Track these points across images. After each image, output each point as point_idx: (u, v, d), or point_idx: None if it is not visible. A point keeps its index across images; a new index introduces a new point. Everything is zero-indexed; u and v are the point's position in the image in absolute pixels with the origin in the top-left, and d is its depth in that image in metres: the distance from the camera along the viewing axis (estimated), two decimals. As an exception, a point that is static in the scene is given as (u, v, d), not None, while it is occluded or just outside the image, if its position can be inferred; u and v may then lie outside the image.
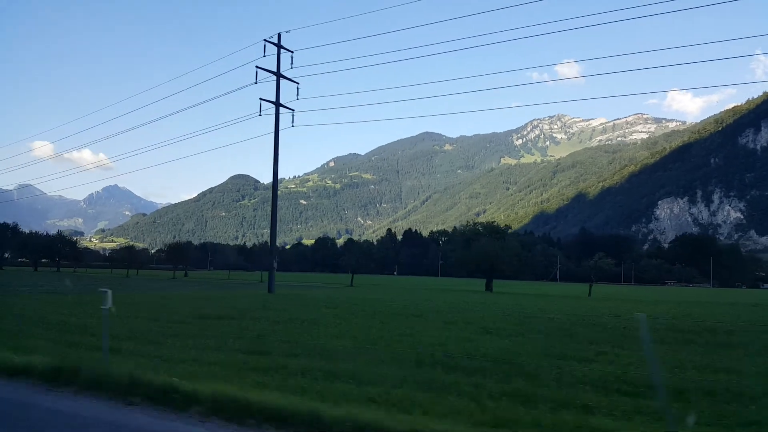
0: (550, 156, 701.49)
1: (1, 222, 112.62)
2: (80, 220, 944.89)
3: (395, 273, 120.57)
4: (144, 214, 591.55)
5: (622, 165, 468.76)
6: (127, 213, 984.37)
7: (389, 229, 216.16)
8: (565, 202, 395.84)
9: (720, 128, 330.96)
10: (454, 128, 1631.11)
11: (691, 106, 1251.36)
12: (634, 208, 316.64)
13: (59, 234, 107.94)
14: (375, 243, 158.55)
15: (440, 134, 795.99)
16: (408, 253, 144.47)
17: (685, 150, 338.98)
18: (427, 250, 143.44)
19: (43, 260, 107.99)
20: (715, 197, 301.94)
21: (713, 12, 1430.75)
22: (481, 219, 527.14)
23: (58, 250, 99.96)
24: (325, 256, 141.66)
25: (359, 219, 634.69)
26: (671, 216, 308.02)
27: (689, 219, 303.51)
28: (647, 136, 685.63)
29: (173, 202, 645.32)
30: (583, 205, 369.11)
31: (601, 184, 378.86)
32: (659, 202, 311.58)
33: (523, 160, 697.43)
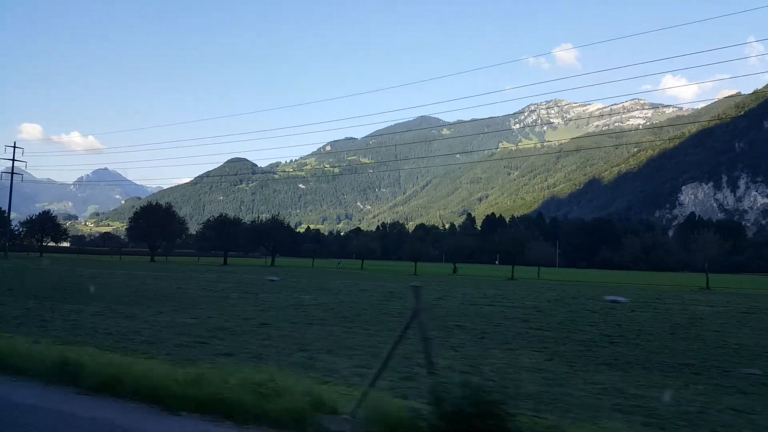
0: (548, 141, 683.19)
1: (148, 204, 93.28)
2: (70, 203, 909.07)
3: (496, 262, 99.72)
4: (138, 198, 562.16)
5: (630, 150, 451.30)
6: (117, 197, 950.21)
7: (469, 214, 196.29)
8: (578, 187, 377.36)
9: (742, 113, 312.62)
10: (450, 112, 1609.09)
11: (685, 92, 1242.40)
12: (656, 193, 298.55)
13: (274, 218, 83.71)
14: (441, 229, 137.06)
15: (437, 118, 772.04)
16: (493, 240, 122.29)
17: (706, 135, 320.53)
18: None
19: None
20: (741, 183, 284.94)
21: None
22: (485, 204, 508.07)
23: (278, 239, 77.04)
24: (389, 244, 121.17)
25: (358, 204, 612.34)
26: (696, 201, 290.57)
27: (714, 205, 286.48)
28: (644, 121, 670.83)
29: (164, 187, 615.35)
30: (598, 190, 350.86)
31: (616, 168, 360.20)
32: (683, 187, 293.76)
33: (521, 145, 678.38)
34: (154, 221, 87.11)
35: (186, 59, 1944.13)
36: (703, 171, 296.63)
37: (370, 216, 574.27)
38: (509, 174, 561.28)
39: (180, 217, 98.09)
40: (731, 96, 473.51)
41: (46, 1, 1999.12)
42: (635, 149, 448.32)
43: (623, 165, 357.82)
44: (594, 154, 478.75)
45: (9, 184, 79.84)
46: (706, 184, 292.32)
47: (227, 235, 77.35)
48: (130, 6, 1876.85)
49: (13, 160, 75.96)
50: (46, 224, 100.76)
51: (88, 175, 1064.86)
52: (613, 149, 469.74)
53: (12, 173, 76.63)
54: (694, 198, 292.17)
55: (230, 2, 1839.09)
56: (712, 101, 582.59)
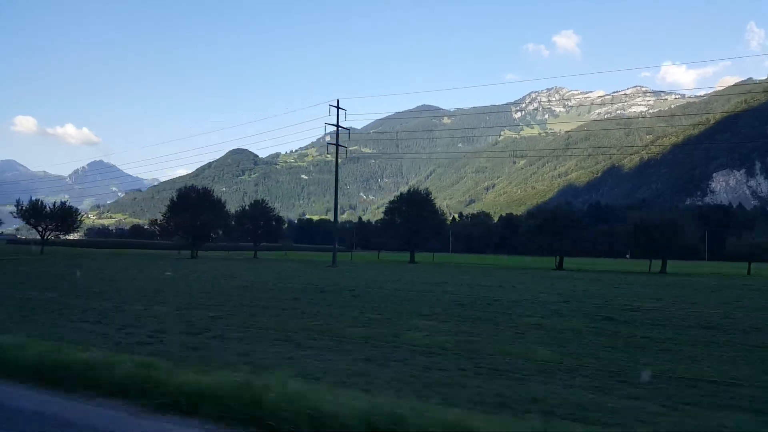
0: (550, 129, 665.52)
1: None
2: (66, 196, 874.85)
3: (628, 256, 79.00)
4: (139, 190, 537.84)
5: (642, 137, 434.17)
6: (114, 189, 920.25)
7: (568, 203, 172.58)
8: (596, 175, 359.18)
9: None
10: (451, 101, 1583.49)
11: (685, 78, 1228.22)
12: (685, 180, 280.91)
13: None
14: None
15: (437, 107, 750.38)
16: (598, 232, 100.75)
17: (731, 121, 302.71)
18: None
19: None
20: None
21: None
22: (493, 194, 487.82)
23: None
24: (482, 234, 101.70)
25: (361, 194, 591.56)
26: (727, 189, 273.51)
27: (747, 192, 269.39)
28: (646, 108, 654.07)
29: (162, 179, 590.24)
30: (620, 178, 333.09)
31: (637, 156, 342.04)
32: (714, 174, 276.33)
33: (523, 133, 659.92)
34: (416, 212, 66.00)
35: (182, 51, 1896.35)
36: (733, 158, 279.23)
37: (374, 206, 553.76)
38: (515, 163, 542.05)
39: (439, 208, 76.26)
40: (742, 82, 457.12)
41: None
42: (648, 136, 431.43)
43: (644, 152, 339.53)
44: (604, 142, 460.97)
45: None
46: (738, 171, 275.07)
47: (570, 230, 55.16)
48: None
49: (337, 126, 51.61)
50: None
51: (84, 167, 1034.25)
52: (625, 136, 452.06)
53: (337, 145, 51.60)
54: (726, 185, 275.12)
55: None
56: (713, 88, 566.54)
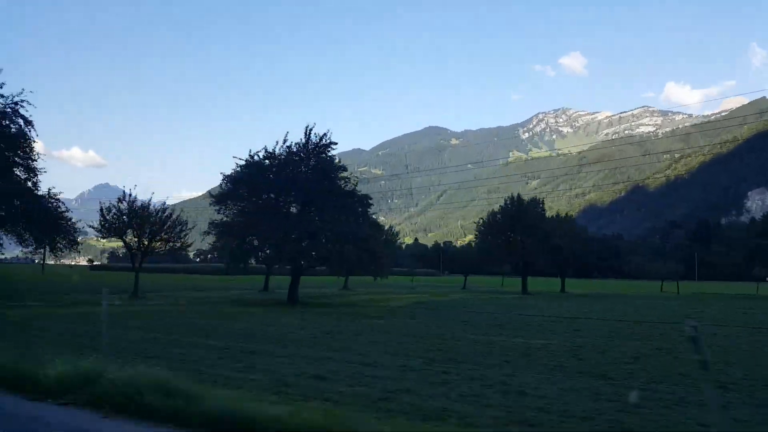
0: (558, 149, 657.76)
1: None
2: (72, 219, 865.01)
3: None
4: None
5: (659, 157, 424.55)
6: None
7: (673, 221, 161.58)
8: (619, 195, 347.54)
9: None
10: (458, 122, 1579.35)
11: (689, 99, 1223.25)
12: (717, 199, 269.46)
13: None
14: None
15: (445, 128, 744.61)
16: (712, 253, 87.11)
17: (759, 140, 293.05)
18: (756, 252, 79.55)
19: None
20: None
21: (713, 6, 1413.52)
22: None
23: None
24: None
25: (372, 216, 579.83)
26: (763, 207, 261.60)
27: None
28: (654, 128, 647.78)
29: (169, 202, 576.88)
30: (645, 198, 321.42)
31: (662, 175, 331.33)
32: (749, 192, 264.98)
33: (531, 154, 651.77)
34: None
35: (189, 73, 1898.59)
36: (766, 177, 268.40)
37: (385, 228, 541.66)
38: (527, 183, 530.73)
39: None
40: (754, 101, 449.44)
41: (44, 14, 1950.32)
42: (666, 156, 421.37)
43: (670, 171, 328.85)
44: (620, 162, 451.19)
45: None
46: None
47: None
48: (129, 16, 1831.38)
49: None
50: None
51: (89, 190, 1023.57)
52: (640, 156, 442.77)
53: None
54: (762, 204, 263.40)
55: (231, 10, 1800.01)
56: (719, 107, 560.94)
